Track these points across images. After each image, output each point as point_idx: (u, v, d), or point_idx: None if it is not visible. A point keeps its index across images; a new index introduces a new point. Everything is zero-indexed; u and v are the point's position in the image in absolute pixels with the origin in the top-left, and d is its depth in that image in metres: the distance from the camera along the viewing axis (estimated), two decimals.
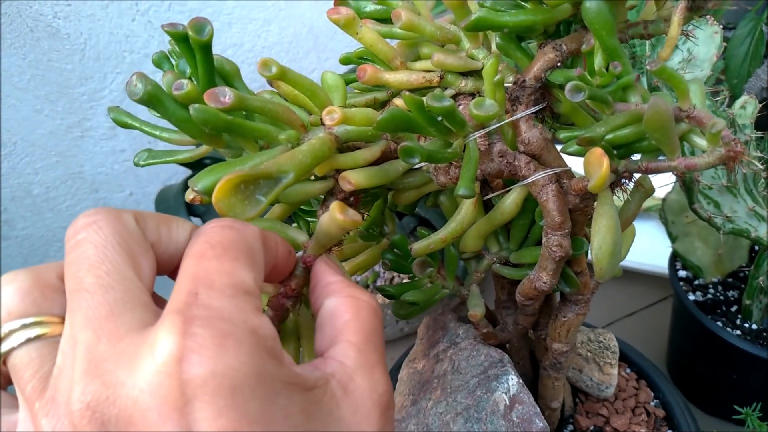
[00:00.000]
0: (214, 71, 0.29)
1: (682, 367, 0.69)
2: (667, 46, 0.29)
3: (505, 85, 0.32)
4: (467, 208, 0.33)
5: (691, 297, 0.62)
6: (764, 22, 0.95)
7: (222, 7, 0.86)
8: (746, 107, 0.59)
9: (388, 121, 0.28)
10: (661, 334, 0.73)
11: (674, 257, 0.66)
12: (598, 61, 0.29)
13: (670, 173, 0.29)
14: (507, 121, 0.31)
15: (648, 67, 0.26)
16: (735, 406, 0.46)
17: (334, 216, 0.25)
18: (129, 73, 0.85)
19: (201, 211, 0.76)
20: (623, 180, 0.31)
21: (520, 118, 0.31)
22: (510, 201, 0.33)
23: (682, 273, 0.66)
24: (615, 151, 0.30)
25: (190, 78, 0.30)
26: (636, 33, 0.30)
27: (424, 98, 0.27)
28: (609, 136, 0.29)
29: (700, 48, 0.59)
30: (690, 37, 0.30)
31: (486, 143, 0.32)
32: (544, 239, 0.31)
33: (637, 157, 0.30)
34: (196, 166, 0.72)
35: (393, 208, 0.41)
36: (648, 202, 0.90)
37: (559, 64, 0.30)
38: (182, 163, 0.34)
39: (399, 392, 0.43)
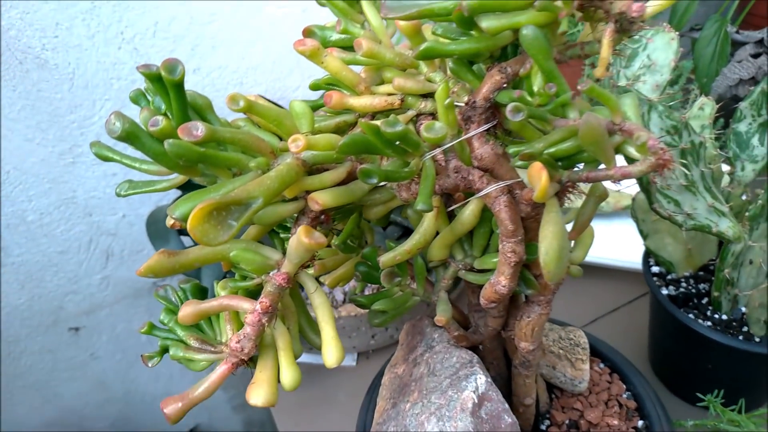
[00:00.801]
0: (187, 106, 0.32)
1: (662, 360, 0.71)
2: (601, 65, 0.31)
3: (460, 104, 0.35)
4: (429, 221, 0.35)
5: (664, 291, 0.65)
6: (728, 22, 0.98)
7: (205, 31, 0.88)
8: (704, 108, 0.62)
9: (349, 145, 0.31)
10: (642, 329, 0.75)
11: (647, 254, 0.68)
12: (539, 81, 0.31)
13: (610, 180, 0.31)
14: (460, 139, 0.34)
15: (579, 87, 0.29)
16: (698, 394, 0.48)
17: (301, 239, 0.28)
18: (117, 100, 0.88)
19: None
20: (569, 189, 0.33)
21: (473, 135, 0.34)
22: (468, 212, 0.36)
23: (655, 269, 0.68)
24: (559, 163, 0.33)
25: (165, 113, 0.32)
26: (574, 54, 0.33)
27: (379, 123, 0.30)
28: (552, 150, 0.31)
29: (659, 54, 0.62)
30: (620, 56, 0.33)
31: (443, 160, 0.34)
32: (500, 246, 0.34)
33: (580, 166, 0.33)
34: (185, 187, 0.75)
35: (378, 224, 0.44)
36: (626, 201, 0.93)
37: (505, 85, 0.33)
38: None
39: (381, 397, 0.46)
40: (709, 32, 0.98)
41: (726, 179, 0.66)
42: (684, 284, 0.67)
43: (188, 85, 0.31)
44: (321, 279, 0.46)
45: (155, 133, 0.30)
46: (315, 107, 0.40)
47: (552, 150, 0.31)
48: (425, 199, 0.32)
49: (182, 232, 0.77)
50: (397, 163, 0.33)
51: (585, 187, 0.36)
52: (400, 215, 0.43)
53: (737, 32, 1.02)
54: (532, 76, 0.32)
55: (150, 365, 0.38)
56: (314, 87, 0.41)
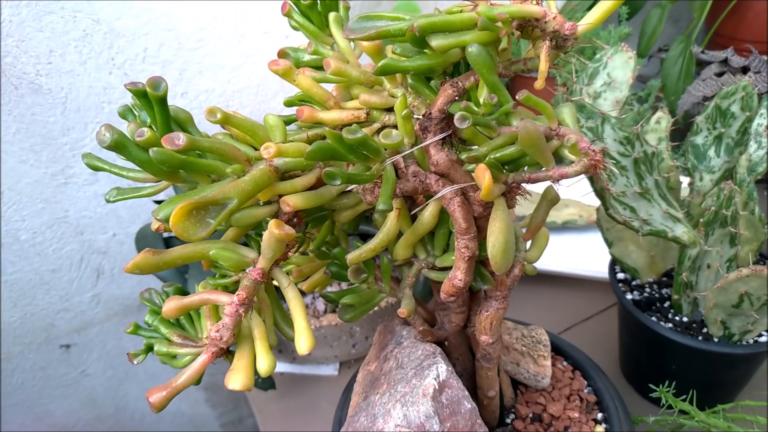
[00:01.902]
0: (170, 120, 0.35)
1: (631, 363, 0.74)
2: (540, 78, 0.35)
3: (418, 117, 0.39)
4: (391, 221, 0.39)
5: (629, 296, 0.68)
6: (693, 43, 1.03)
7: (192, 56, 0.92)
8: (660, 122, 0.66)
9: (316, 152, 0.34)
10: (613, 336, 0.79)
11: (613, 261, 0.72)
12: (485, 94, 0.35)
13: (549, 181, 0.35)
14: (417, 147, 0.37)
15: (517, 96, 0.33)
16: (650, 385, 0.51)
17: (272, 231, 0.31)
18: (109, 122, 0.92)
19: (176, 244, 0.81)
20: (515, 190, 0.37)
21: (430, 144, 0.37)
22: (428, 213, 0.39)
23: (621, 275, 0.72)
24: (505, 167, 0.36)
25: (150, 126, 0.36)
26: (518, 69, 0.37)
27: (342, 131, 0.33)
28: (497, 155, 0.35)
29: (617, 72, 0.66)
30: (558, 70, 0.37)
31: (403, 166, 0.38)
32: (455, 243, 0.37)
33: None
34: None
35: (349, 231, 0.47)
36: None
37: (457, 97, 0.37)
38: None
39: (355, 392, 0.49)
40: (675, 52, 1.03)
41: (686, 190, 0.70)
42: (648, 289, 0.70)
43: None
44: (299, 285, 0.49)
45: (141, 142, 0.33)
46: (288, 121, 0.43)
47: (498, 155, 0.35)
48: (386, 199, 0.35)
49: (168, 244, 0.80)
50: (360, 168, 0.36)
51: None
52: (374, 225, 0.46)
53: (703, 52, 1.07)
54: (479, 89, 0.35)
55: (135, 362, 0.41)
56: (288, 103, 0.45)
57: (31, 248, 0.96)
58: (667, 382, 0.52)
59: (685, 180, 0.70)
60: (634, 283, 0.71)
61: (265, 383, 0.74)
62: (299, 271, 0.47)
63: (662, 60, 1.08)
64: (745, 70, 1.06)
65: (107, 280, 1.07)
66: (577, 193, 1.01)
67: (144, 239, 0.79)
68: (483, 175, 0.32)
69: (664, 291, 0.70)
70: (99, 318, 1.09)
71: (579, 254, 0.93)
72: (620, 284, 0.70)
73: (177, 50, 0.91)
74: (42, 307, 1.03)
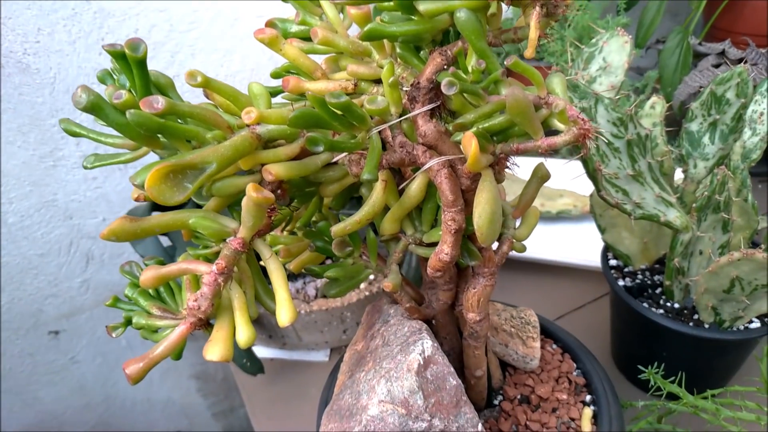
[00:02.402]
0: (149, 84, 0.34)
1: (623, 350, 0.74)
2: (530, 46, 0.34)
3: (407, 89, 0.38)
4: (377, 193, 0.38)
5: (621, 283, 0.67)
6: (690, 34, 1.02)
7: (185, 39, 0.91)
8: (655, 107, 0.65)
9: (299, 117, 0.33)
10: (606, 325, 0.78)
11: (606, 248, 0.71)
12: (473, 61, 0.34)
13: (537, 153, 0.34)
14: (405, 117, 0.36)
15: (506, 62, 0.32)
16: (639, 366, 0.51)
17: (250, 194, 0.30)
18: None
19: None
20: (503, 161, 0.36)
21: (418, 114, 0.37)
22: (415, 186, 0.38)
23: (613, 262, 0.71)
24: (494, 138, 0.35)
25: (129, 90, 0.35)
26: (508, 38, 0.36)
27: (325, 95, 0.32)
28: (485, 125, 0.34)
29: (613, 57, 0.65)
30: (548, 40, 0.36)
31: (390, 136, 0.37)
32: (442, 216, 0.36)
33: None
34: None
35: (337, 208, 0.46)
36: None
37: (445, 66, 0.36)
38: None
39: (341, 372, 0.48)
40: (673, 44, 1.03)
41: (680, 176, 0.69)
42: (640, 276, 0.69)
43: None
44: (287, 266, 0.48)
45: (118, 105, 0.32)
46: (275, 93, 0.42)
47: (486, 124, 0.34)
48: (371, 169, 0.34)
49: None
50: (345, 137, 0.35)
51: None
52: (358, 193, 0.45)
53: (700, 44, 1.06)
54: (468, 57, 0.35)
55: (114, 335, 0.40)
56: (275, 75, 0.44)
57: (18, 231, 0.95)
58: (655, 365, 0.51)
59: (679, 170, 0.69)
60: (626, 269, 0.70)
61: (253, 367, 0.73)
62: (287, 250, 0.46)
63: (659, 51, 1.07)
64: (742, 62, 1.05)
65: (97, 266, 1.06)
66: (571, 180, 1.00)
67: None
68: (469, 143, 0.31)
69: (656, 278, 0.69)
70: (88, 304, 1.08)
71: (573, 244, 0.93)
72: (612, 271, 0.69)
73: (169, 32, 0.90)
74: (30, 292, 1.02)
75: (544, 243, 0.94)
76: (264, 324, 0.76)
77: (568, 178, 1.01)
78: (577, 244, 0.91)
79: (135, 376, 0.35)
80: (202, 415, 1.33)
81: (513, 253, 0.90)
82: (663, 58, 1.04)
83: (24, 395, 1.12)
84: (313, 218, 0.45)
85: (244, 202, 0.31)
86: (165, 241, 0.86)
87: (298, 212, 0.47)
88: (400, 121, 0.37)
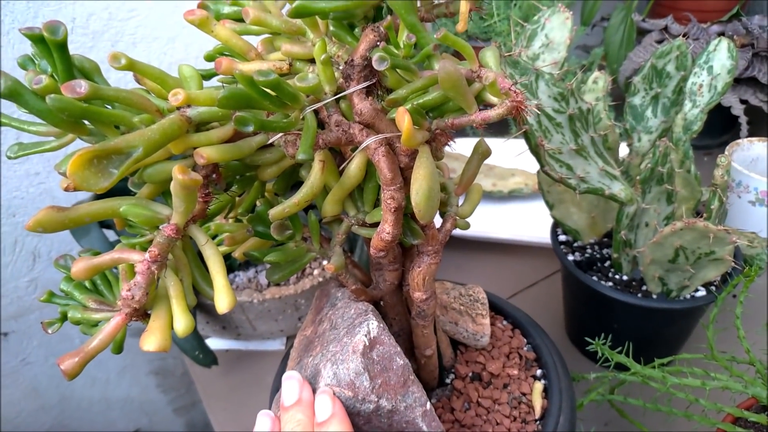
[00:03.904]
0: (72, 68, 0.33)
1: (575, 325, 0.75)
2: (461, 20, 0.34)
3: (342, 66, 0.37)
4: (315, 174, 0.37)
5: (571, 258, 0.68)
6: (633, 11, 1.04)
7: (124, 27, 0.88)
8: (598, 82, 0.66)
9: (228, 98, 0.32)
10: (559, 300, 0.79)
11: (555, 224, 0.72)
12: (405, 36, 0.34)
13: (471, 125, 0.34)
14: (340, 95, 0.36)
15: (435, 35, 0.32)
16: (587, 338, 0.51)
17: (176, 176, 0.29)
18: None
19: (111, 222, 0.78)
20: (440, 138, 0.36)
21: (353, 92, 0.36)
22: (354, 166, 0.38)
23: (562, 237, 0.72)
24: (430, 114, 0.35)
25: (51, 75, 0.33)
26: (440, 12, 0.36)
27: (253, 73, 0.31)
28: (420, 101, 0.34)
29: (555, 33, 0.66)
30: (482, 13, 0.35)
31: (326, 116, 0.36)
32: (381, 195, 0.36)
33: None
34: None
35: (279, 192, 0.45)
36: None
37: (378, 43, 0.35)
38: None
39: (291, 359, 0.47)
40: (617, 20, 1.04)
41: (627, 151, 0.70)
42: (589, 251, 0.70)
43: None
44: (233, 254, 0.48)
45: (38, 90, 0.31)
46: (209, 76, 0.41)
47: (420, 101, 0.34)
48: (306, 149, 0.34)
49: (104, 224, 0.77)
50: (278, 117, 0.35)
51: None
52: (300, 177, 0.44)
53: (644, 20, 1.08)
54: (399, 32, 0.34)
55: (50, 332, 0.39)
56: (208, 57, 0.43)
57: None
58: (603, 335, 0.52)
59: (624, 144, 0.70)
60: (575, 244, 0.71)
61: (206, 359, 0.72)
62: (232, 238, 0.45)
63: (605, 28, 1.08)
64: (684, 37, 1.07)
65: (44, 264, 1.02)
66: (516, 157, 1.01)
67: None
68: (402, 118, 0.31)
69: (604, 251, 0.70)
70: (38, 304, 1.05)
71: (525, 222, 0.94)
72: (562, 246, 0.70)
73: (108, 20, 0.87)
74: None
75: (497, 222, 0.95)
76: (217, 315, 0.75)
77: (520, 158, 1.02)
78: (530, 222, 0.92)
79: (71, 371, 0.34)
80: (162, 411, 1.30)
81: (466, 232, 0.91)
82: (608, 35, 1.05)
83: None
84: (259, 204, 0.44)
85: (172, 185, 0.31)
86: (111, 236, 0.84)
87: (241, 198, 0.46)
88: (336, 99, 0.37)
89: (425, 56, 0.33)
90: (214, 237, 0.49)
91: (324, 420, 0.33)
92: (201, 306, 0.75)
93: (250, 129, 0.32)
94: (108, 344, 0.34)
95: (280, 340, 0.80)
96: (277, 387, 0.50)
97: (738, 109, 1.01)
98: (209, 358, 0.72)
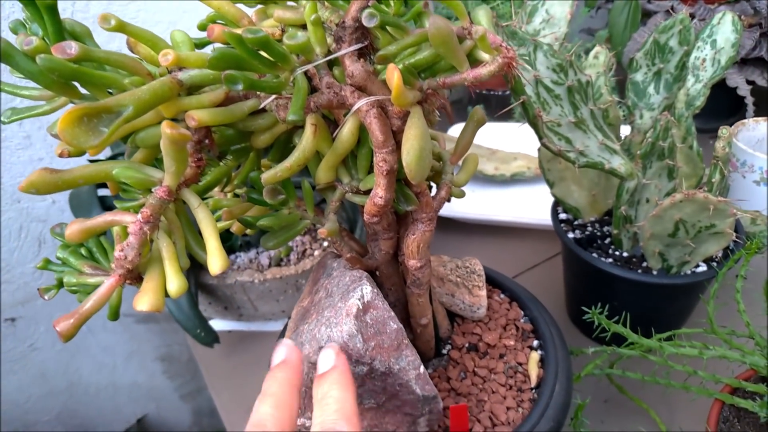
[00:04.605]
0: (62, 30, 0.33)
1: (576, 303, 0.74)
2: None
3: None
4: (307, 138, 0.37)
5: (571, 236, 0.68)
6: None
7: (125, 11, 0.89)
8: (599, 57, 0.66)
9: (218, 58, 0.32)
10: (560, 282, 0.79)
11: (556, 203, 0.72)
12: None
13: (464, 85, 0.34)
14: (331, 57, 0.36)
15: None
16: (576, 305, 0.51)
17: (164, 131, 0.29)
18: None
19: (112, 204, 0.79)
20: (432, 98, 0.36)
21: (344, 54, 0.36)
22: (346, 130, 0.38)
23: (563, 216, 0.72)
24: (422, 75, 0.35)
25: (43, 38, 0.34)
26: None
27: (241, 31, 0.32)
28: (412, 60, 0.34)
29: (556, 9, 0.65)
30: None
31: (317, 77, 0.36)
32: (374, 159, 0.36)
33: None
34: None
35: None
36: None
37: (369, 4, 0.35)
38: None
39: (288, 329, 0.48)
40: (621, 2, 1.03)
41: (627, 129, 0.70)
42: (590, 228, 0.70)
43: None
44: (232, 229, 0.48)
45: (29, 51, 0.31)
46: (202, 45, 0.41)
47: (412, 60, 0.34)
48: (296, 110, 0.34)
49: (106, 206, 0.77)
50: (269, 78, 0.35)
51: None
52: (291, 144, 0.44)
53: (649, 2, 1.07)
54: None
55: (47, 298, 0.39)
56: (201, 26, 0.43)
57: None
58: (599, 305, 0.52)
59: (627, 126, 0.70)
60: (576, 222, 0.71)
61: (208, 337, 0.72)
62: (229, 212, 0.45)
63: (609, 10, 1.08)
64: (691, 18, 1.06)
65: (50, 249, 1.03)
66: (523, 143, 1.01)
67: (77, 197, 0.76)
68: (392, 75, 0.31)
69: (605, 229, 0.70)
70: None
71: (528, 205, 0.93)
72: (563, 224, 0.70)
73: (108, 4, 0.87)
74: None
75: (500, 205, 0.95)
76: (219, 295, 0.75)
77: (521, 142, 1.02)
78: (532, 205, 0.92)
79: (66, 332, 0.34)
80: (169, 397, 1.31)
81: (469, 215, 0.91)
82: (612, 16, 1.05)
83: None
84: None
85: (162, 142, 0.31)
86: None
87: (237, 172, 0.46)
88: (328, 63, 0.37)
89: (416, 13, 0.33)
90: (213, 213, 0.50)
91: (324, 372, 0.33)
92: (203, 287, 0.75)
93: (239, 88, 0.32)
94: (101, 305, 0.34)
95: (282, 321, 0.81)
96: None
97: (744, 90, 1.01)
98: (210, 337, 0.72)
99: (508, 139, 1.06)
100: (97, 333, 1.16)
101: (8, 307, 1.05)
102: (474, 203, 0.96)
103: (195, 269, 0.75)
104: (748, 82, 1.02)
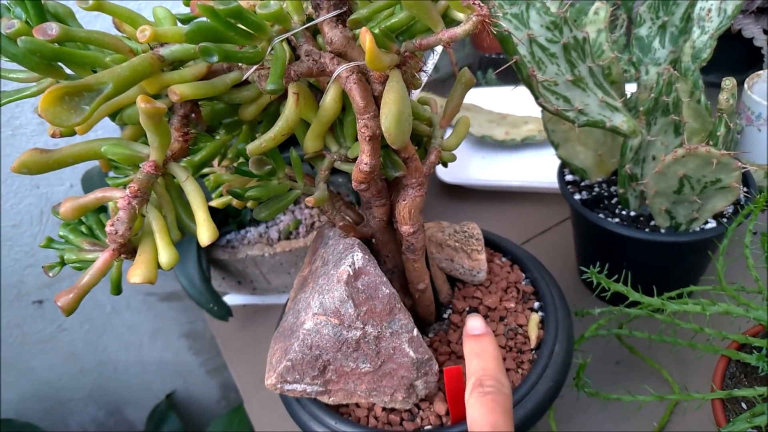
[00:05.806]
0: (43, 12, 0.34)
1: (585, 265, 0.74)
2: None
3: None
4: (290, 107, 0.37)
5: (577, 197, 0.67)
6: None
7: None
8: (599, 12, 0.64)
9: (195, 32, 0.32)
10: (572, 245, 0.78)
11: (562, 164, 0.71)
12: None
13: (439, 46, 0.34)
14: (309, 24, 0.36)
15: None
16: (581, 267, 0.51)
17: (139, 105, 0.30)
18: None
19: None
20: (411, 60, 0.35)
21: (323, 21, 0.36)
22: (329, 98, 0.38)
23: (570, 177, 0.71)
24: (399, 38, 0.35)
25: (26, 21, 0.34)
26: None
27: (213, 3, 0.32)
28: (387, 23, 0.34)
29: None
30: None
31: (297, 46, 0.36)
32: (356, 126, 0.36)
33: None
34: None
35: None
36: None
37: None
38: None
39: (290, 299, 0.48)
40: None
41: (634, 86, 0.68)
42: (597, 189, 0.69)
43: None
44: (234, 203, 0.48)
45: (11, 34, 0.32)
46: (186, 20, 0.42)
47: (387, 23, 0.34)
48: (275, 79, 0.34)
49: None
50: (246, 49, 0.35)
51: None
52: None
53: None
54: None
55: (51, 275, 0.40)
56: (186, 2, 0.43)
57: None
58: (597, 264, 0.52)
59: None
60: (583, 183, 0.70)
61: (221, 311, 0.74)
62: (229, 186, 0.46)
63: None
64: None
65: None
66: (533, 107, 1.00)
67: (90, 180, 0.78)
68: (364, 38, 0.31)
69: (612, 189, 0.69)
70: (68, 271, 1.08)
71: (538, 169, 0.93)
72: (569, 186, 0.69)
73: None
74: (8, 264, 1.02)
75: (510, 170, 0.94)
76: (231, 270, 0.77)
77: (532, 106, 1.00)
78: (543, 169, 0.91)
79: (67, 306, 0.35)
80: (195, 373, 1.35)
81: (479, 181, 0.90)
82: None
83: (17, 366, 1.13)
84: None
85: (140, 117, 0.31)
86: None
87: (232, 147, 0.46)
88: (309, 29, 0.37)
89: None
90: (215, 189, 0.51)
91: (480, 333, 0.41)
92: (215, 262, 0.76)
93: (215, 60, 0.32)
94: (98, 279, 0.35)
95: None
96: None
97: (761, 40, 0.98)
98: (223, 310, 0.74)
99: (520, 103, 1.04)
100: (121, 312, 1.19)
101: (35, 289, 1.08)
102: (485, 169, 0.96)
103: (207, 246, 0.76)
104: (765, 32, 0.99)
